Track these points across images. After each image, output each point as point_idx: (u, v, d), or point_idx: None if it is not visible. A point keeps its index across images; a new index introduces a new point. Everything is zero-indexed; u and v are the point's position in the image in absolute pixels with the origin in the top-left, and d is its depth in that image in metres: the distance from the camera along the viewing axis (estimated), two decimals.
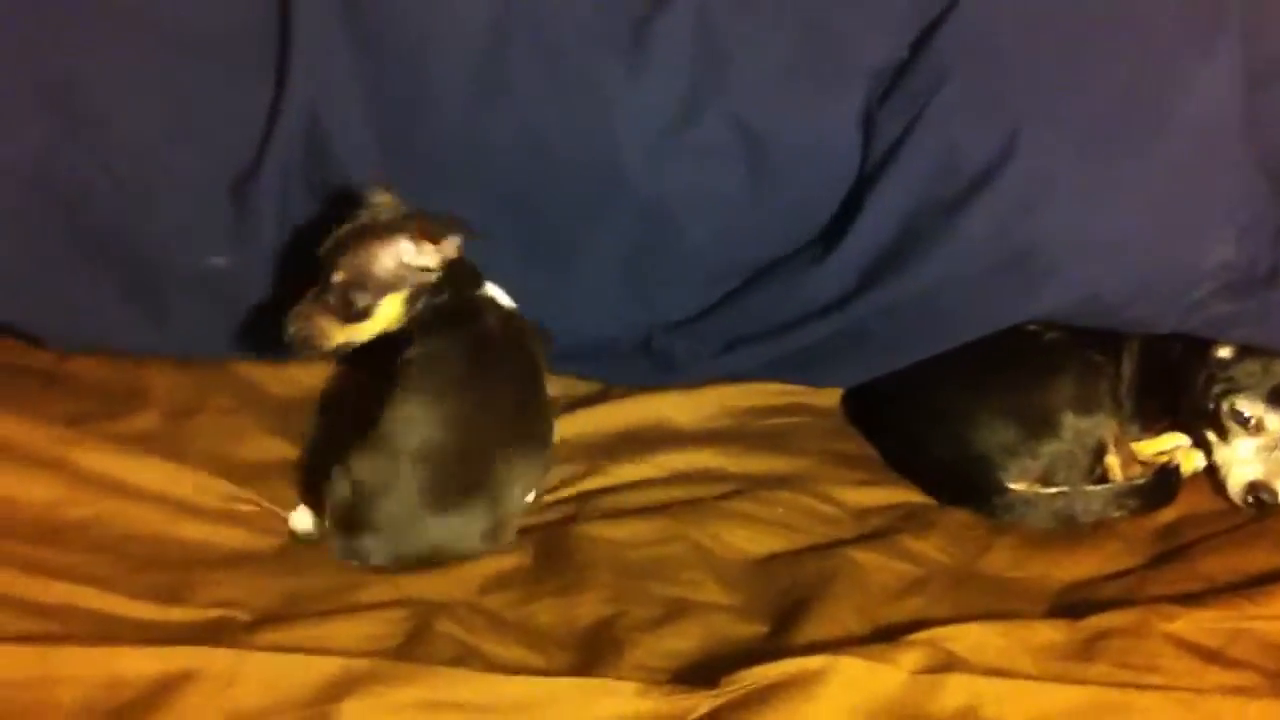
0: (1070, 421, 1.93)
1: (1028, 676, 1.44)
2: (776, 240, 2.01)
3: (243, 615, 1.50)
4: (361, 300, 1.67)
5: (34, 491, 1.64)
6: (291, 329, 1.68)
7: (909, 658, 1.42)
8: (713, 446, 1.98)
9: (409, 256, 1.68)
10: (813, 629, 1.53)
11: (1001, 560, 1.77)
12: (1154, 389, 2.04)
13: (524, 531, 1.74)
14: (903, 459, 1.99)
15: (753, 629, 1.56)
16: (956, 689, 1.39)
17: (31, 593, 1.46)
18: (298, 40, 1.82)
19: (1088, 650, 1.51)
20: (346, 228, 1.69)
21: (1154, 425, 2.05)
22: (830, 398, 2.15)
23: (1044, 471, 1.91)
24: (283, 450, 1.85)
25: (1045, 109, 1.83)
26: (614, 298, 2.02)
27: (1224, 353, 1.97)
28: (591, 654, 1.48)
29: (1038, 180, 1.82)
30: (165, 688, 1.32)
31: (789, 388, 2.13)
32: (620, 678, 1.40)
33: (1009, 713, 1.38)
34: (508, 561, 1.66)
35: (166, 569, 1.58)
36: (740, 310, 2.03)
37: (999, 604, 1.64)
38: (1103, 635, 1.53)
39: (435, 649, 1.43)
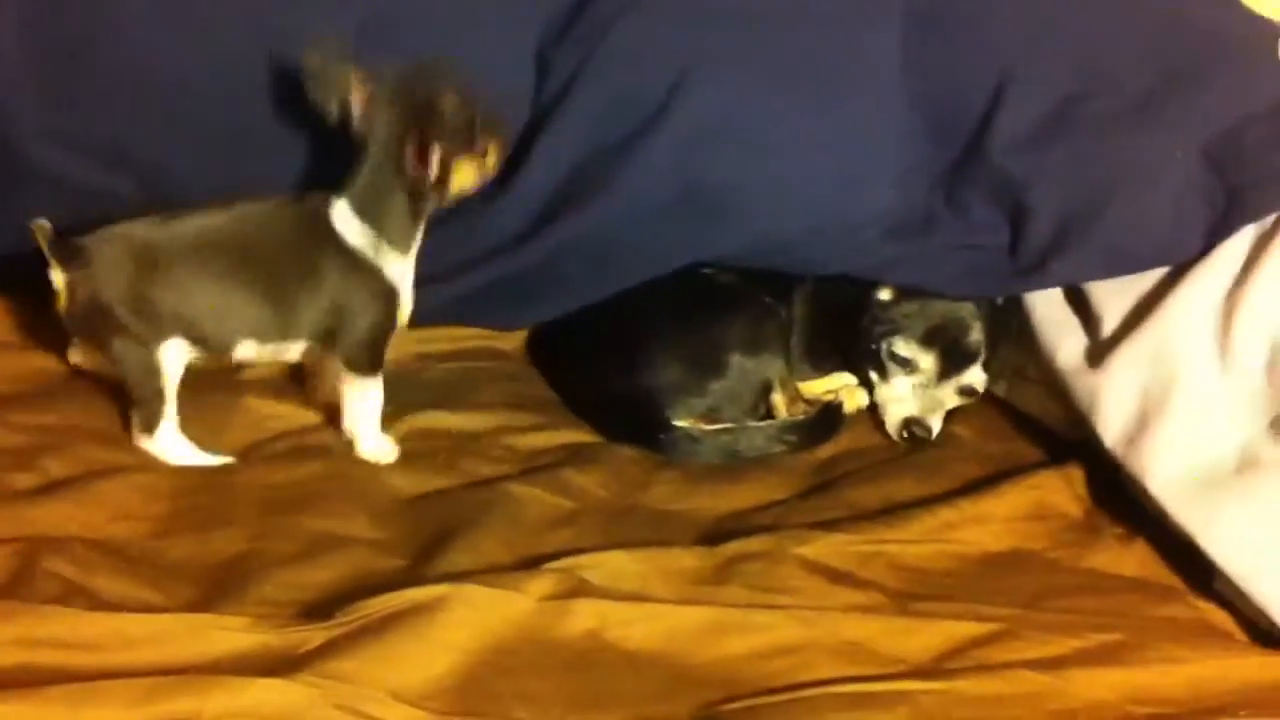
0: (737, 361, 1.97)
1: (658, 600, 1.46)
2: None
3: None
4: None
5: None
6: None
7: (538, 585, 1.42)
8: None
9: None
10: (454, 560, 1.52)
11: (661, 494, 1.79)
12: (823, 330, 2.10)
13: (174, 473, 1.68)
14: (577, 399, 1.99)
15: (394, 562, 1.54)
16: (583, 613, 1.40)
17: None
18: None
19: (722, 574, 1.54)
20: None
21: (824, 365, 2.11)
22: (514, 341, 2.15)
23: (709, 409, 1.95)
24: None
25: (715, 49, 1.85)
26: None
27: (884, 295, 2.03)
28: (217, 590, 1.43)
29: (707, 120, 1.83)
30: None
31: (473, 332, 2.12)
32: (242, 613, 1.36)
33: (633, 634, 1.39)
34: (147, 495, 1.60)
35: None
36: (420, 249, 1.99)
37: (651, 535, 1.65)
38: (738, 560, 1.56)
39: (40, 587, 1.36)
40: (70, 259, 1.59)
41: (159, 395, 1.65)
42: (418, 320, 2.04)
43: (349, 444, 1.78)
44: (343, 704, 1.21)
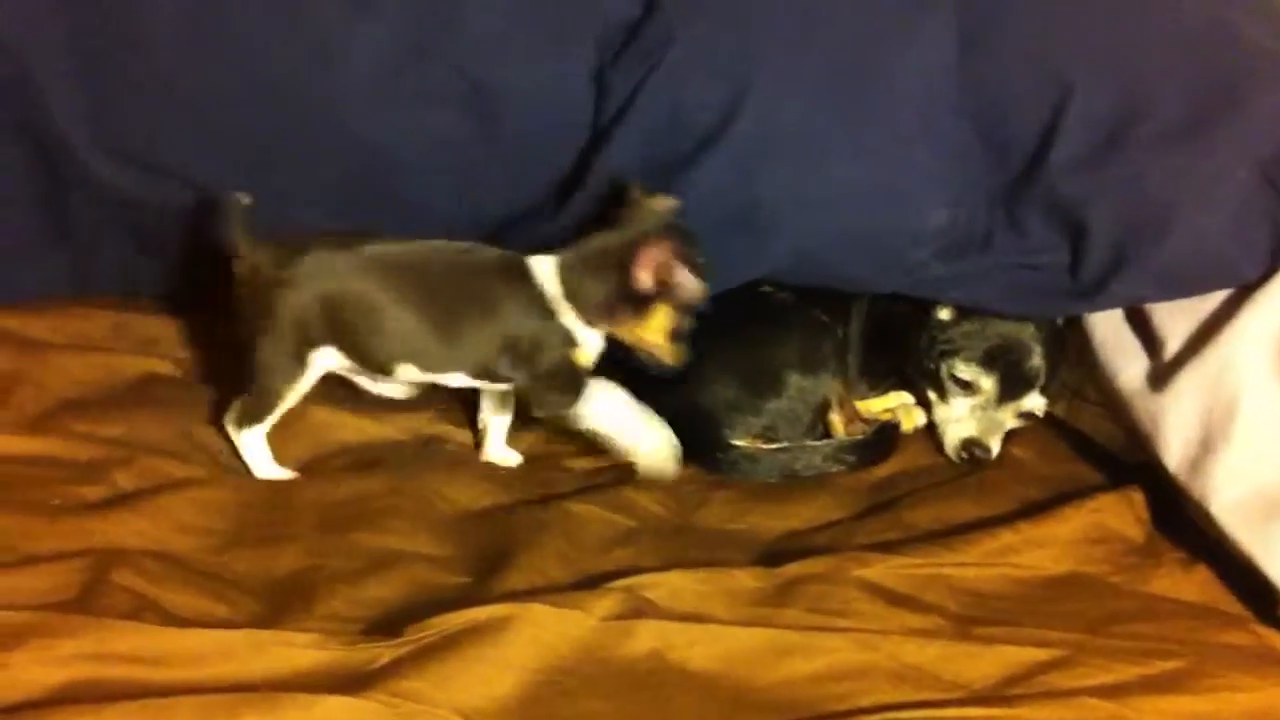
0: (794, 380, 1.97)
1: (719, 621, 1.46)
2: (515, 196, 1.98)
3: None
4: None
5: None
6: None
7: (601, 605, 1.42)
8: (439, 408, 1.97)
9: None
10: (515, 578, 1.53)
11: (718, 513, 1.80)
12: (880, 349, 2.09)
13: (238, 487, 1.70)
14: None
15: (456, 579, 1.55)
16: (646, 634, 1.41)
17: None
18: None
19: (782, 596, 1.53)
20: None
21: (881, 384, 2.11)
22: None
23: (766, 428, 1.95)
24: None
25: (770, 67, 1.85)
26: None
27: (944, 314, 2.02)
28: (282, 605, 1.45)
29: (762, 137, 1.83)
30: None
31: None
32: (309, 629, 1.38)
33: (695, 655, 1.39)
34: (211, 509, 1.62)
35: None
36: None
37: (709, 555, 1.66)
38: (798, 581, 1.56)
39: (111, 601, 1.37)
40: (260, 249, 1.66)
41: (278, 397, 1.69)
42: None
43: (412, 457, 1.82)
44: None
